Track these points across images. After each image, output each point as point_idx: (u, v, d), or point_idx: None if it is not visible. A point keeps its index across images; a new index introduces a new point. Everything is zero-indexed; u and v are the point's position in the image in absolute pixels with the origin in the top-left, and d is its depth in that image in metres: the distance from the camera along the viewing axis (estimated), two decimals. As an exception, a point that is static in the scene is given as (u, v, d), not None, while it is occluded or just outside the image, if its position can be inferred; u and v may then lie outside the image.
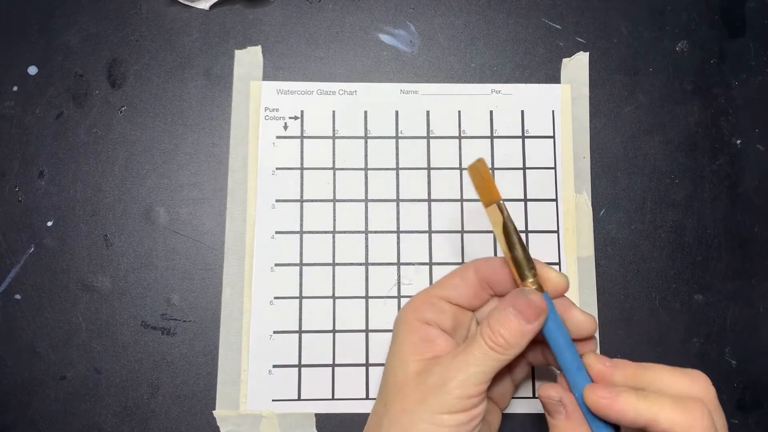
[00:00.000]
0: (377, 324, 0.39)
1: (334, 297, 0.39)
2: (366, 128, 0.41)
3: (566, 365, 0.29)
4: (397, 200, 0.40)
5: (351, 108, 0.41)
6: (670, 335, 0.39)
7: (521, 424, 0.38)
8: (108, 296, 0.39)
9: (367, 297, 0.39)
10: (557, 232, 0.40)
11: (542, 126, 0.41)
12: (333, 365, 0.38)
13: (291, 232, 0.39)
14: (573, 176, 0.40)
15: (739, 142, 0.41)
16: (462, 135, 0.41)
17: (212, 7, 0.42)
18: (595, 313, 0.39)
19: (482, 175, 0.30)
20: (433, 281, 0.39)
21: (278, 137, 0.40)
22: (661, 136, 0.41)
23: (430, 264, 0.39)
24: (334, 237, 0.39)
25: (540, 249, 0.39)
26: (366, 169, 0.40)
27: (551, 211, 0.40)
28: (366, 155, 0.40)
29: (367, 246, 0.39)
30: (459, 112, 0.41)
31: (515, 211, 0.40)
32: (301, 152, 0.40)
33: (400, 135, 0.41)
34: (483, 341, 0.29)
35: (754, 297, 0.39)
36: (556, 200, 0.40)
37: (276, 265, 0.39)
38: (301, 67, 0.41)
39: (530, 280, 0.30)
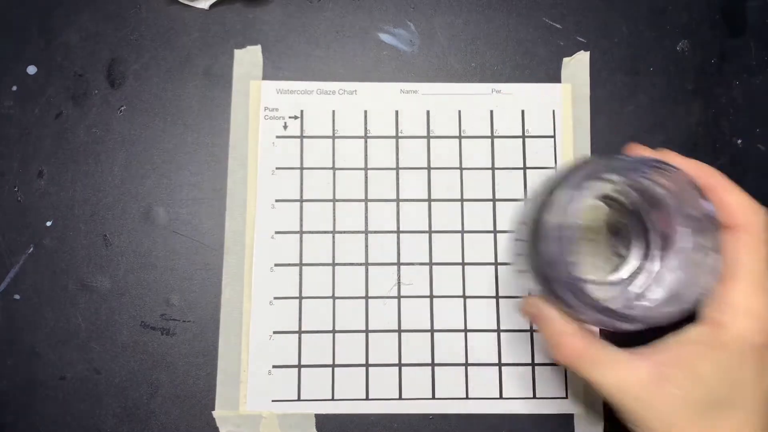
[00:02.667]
0: (377, 324, 0.38)
1: (334, 297, 0.39)
2: (366, 128, 0.41)
3: None
4: (397, 200, 0.40)
5: (351, 108, 0.41)
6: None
7: (521, 424, 0.38)
8: (107, 296, 0.39)
9: (367, 297, 0.39)
10: (557, 232, 0.39)
11: (543, 126, 0.41)
12: (333, 365, 0.38)
13: (291, 232, 0.39)
14: (573, 176, 0.40)
15: (740, 141, 0.41)
16: (462, 135, 0.40)
17: (212, 6, 0.41)
18: (596, 314, 0.39)
19: None
20: (434, 281, 0.39)
21: (278, 137, 0.40)
22: (662, 136, 0.41)
23: (430, 264, 0.39)
24: (334, 237, 0.39)
25: (540, 249, 0.39)
26: (366, 169, 0.40)
27: (551, 211, 0.40)
28: (366, 155, 0.40)
29: (367, 246, 0.39)
30: (459, 112, 0.41)
31: (515, 211, 0.39)
32: (301, 152, 0.40)
33: (400, 135, 0.40)
34: None
35: (755, 297, 0.39)
36: (556, 200, 0.40)
37: (276, 265, 0.39)
38: (301, 67, 0.41)
39: None
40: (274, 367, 0.38)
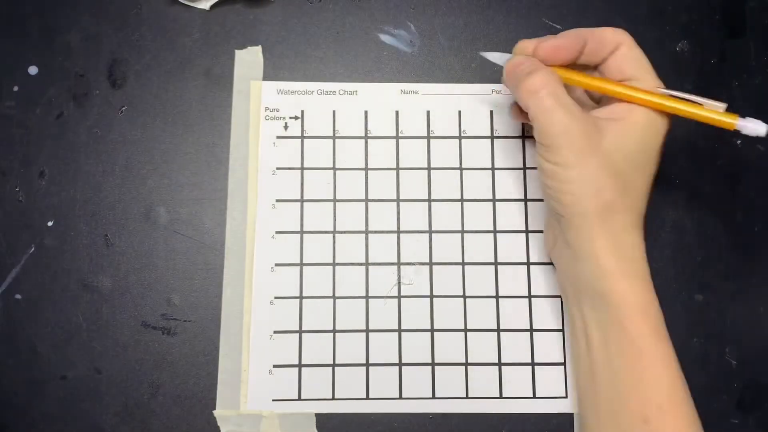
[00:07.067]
0: (377, 324, 0.39)
1: (334, 297, 0.39)
2: (366, 128, 0.41)
3: None
4: (397, 200, 0.40)
5: (351, 108, 0.41)
6: (670, 335, 0.39)
7: (521, 423, 0.38)
8: (108, 296, 0.39)
9: (367, 297, 0.39)
10: (557, 232, 0.40)
11: (542, 126, 0.41)
12: (333, 365, 0.38)
13: (291, 232, 0.39)
14: (573, 176, 0.40)
15: (739, 142, 0.41)
16: (462, 135, 0.41)
17: (213, 7, 0.42)
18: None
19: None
20: (434, 281, 0.39)
21: (278, 137, 0.40)
22: (662, 136, 0.41)
23: (430, 264, 0.39)
24: (334, 237, 0.39)
25: (540, 249, 0.39)
26: (366, 169, 0.40)
27: (551, 211, 0.40)
28: (366, 155, 0.40)
29: (367, 246, 0.39)
30: (459, 112, 0.41)
31: (515, 211, 0.40)
32: (302, 152, 0.40)
33: (400, 135, 0.41)
34: None
35: (754, 297, 0.39)
36: (556, 200, 0.40)
37: (276, 265, 0.39)
38: (301, 67, 0.41)
39: None
40: (274, 366, 0.38)
